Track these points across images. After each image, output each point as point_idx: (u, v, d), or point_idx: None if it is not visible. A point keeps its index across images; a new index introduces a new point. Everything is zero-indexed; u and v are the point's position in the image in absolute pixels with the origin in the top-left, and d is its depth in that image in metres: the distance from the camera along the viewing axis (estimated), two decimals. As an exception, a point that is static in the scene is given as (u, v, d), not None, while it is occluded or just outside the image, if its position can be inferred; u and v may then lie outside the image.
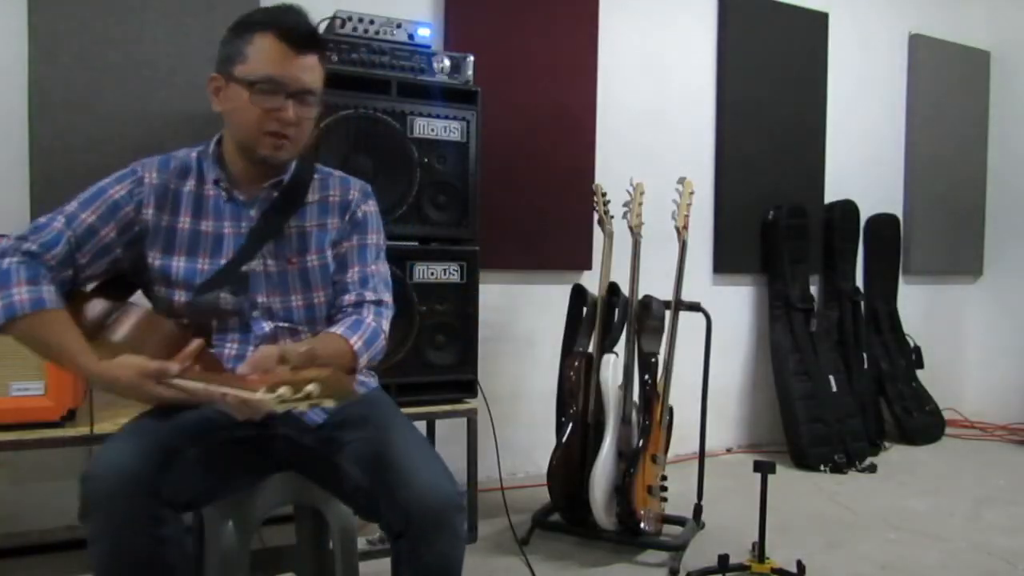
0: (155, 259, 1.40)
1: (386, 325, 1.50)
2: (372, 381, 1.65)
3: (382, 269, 1.56)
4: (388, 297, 1.54)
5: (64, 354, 1.27)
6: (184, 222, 1.42)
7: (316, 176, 1.54)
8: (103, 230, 1.36)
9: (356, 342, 1.39)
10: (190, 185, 1.44)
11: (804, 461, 3.55)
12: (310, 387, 1.05)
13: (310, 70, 1.37)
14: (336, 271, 1.51)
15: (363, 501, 1.37)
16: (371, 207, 1.58)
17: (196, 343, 1.28)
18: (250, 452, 1.41)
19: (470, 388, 2.49)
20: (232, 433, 1.36)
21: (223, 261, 1.42)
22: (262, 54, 1.34)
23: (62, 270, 1.32)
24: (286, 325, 1.46)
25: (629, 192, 2.64)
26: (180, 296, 1.41)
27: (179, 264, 1.41)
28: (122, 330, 1.36)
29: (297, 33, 1.35)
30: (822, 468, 3.51)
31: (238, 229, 1.44)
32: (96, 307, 1.39)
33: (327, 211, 1.52)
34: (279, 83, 1.34)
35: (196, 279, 1.41)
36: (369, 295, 1.50)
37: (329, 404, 1.10)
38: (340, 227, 1.52)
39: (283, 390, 1.04)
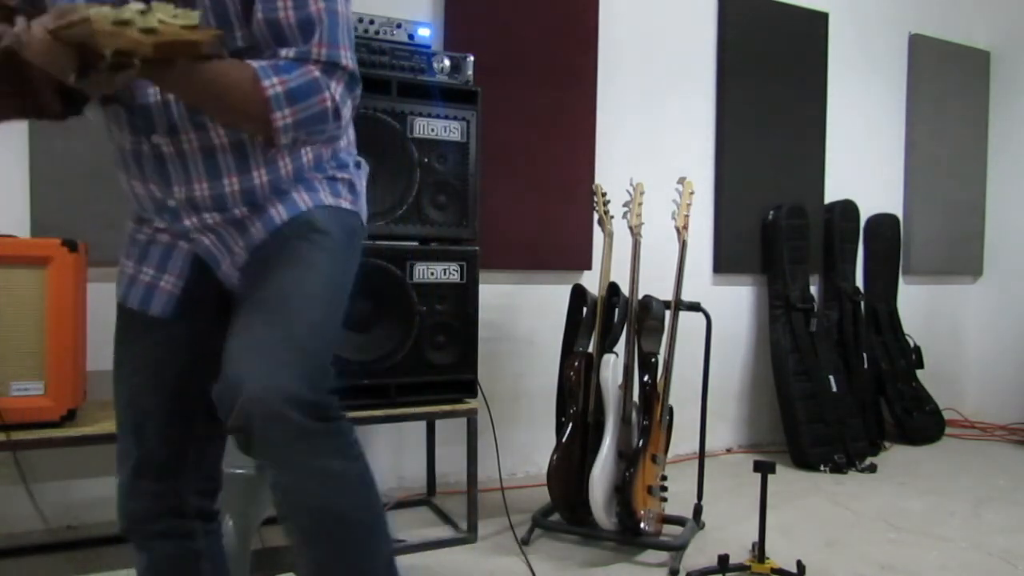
0: None
1: (339, 91, 1.10)
2: (321, 194, 1.24)
3: (333, 7, 1.11)
4: (349, 61, 1.12)
5: None
6: None
7: None
8: None
9: (272, 85, 1.03)
10: None
11: (804, 461, 3.55)
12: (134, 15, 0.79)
13: None
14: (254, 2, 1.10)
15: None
16: None
17: None
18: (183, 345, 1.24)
19: (470, 388, 2.49)
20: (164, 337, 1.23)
21: None
22: None
23: None
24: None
25: (629, 192, 2.64)
26: None
27: None
28: None
29: None
30: (822, 468, 3.51)
31: None
32: None
33: None
34: None
35: None
36: (316, 51, 1.09)
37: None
38: None
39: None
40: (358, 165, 1.36)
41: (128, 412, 1.25)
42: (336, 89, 1.10)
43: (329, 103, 1.08)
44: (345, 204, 1.28)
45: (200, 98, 1.03)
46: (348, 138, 1.31)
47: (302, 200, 1.22)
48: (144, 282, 1.26)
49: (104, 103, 1.16)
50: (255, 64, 1.03)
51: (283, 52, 1.08)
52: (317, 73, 1.07)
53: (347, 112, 1.13)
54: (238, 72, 1.02)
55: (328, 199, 1.25)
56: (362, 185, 1.35)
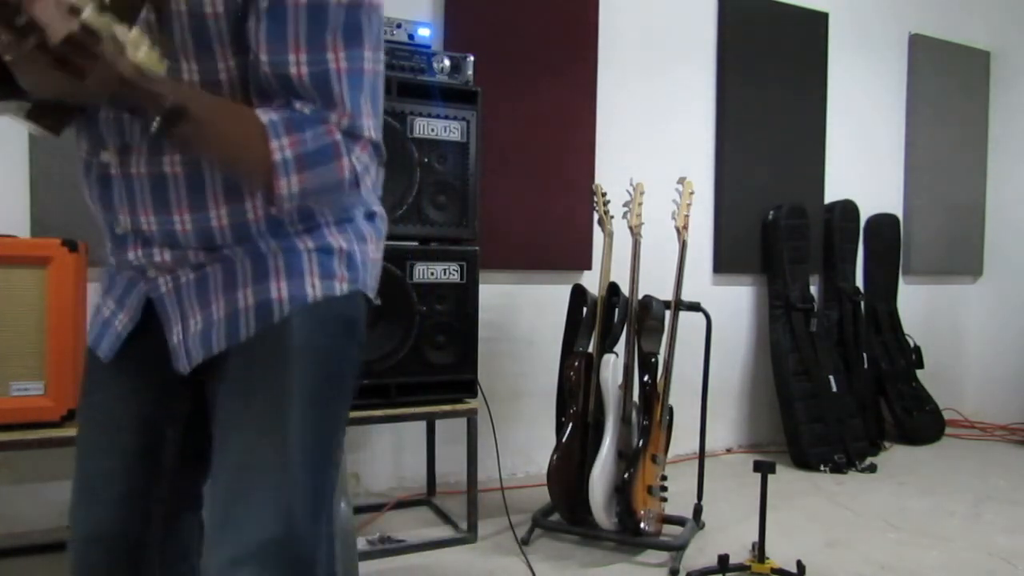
0: None
1: (362, 158, 0.94)
2: (306, 280, 1.00)
3: (357, 65, 0.93)
4: (373, 132, 0.95)
5: None
6: None
7: None
8: None
9: (281, 148, 0.87)
10: None
11: (804, 461, 3.55)
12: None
13: None
14: (255, 42, 0.90)
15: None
16: None
17: None
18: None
19: (470, 388, 2.49)
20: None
21: None
22: None
23: None
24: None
25: (629, 192, 2.64)
26: None
27: None
28: None
29: None
30: (822, 468, 3.51)
31: None
32: None
33: None
34: None
35: None
36: (335, 118, 0.91)
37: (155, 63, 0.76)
38: None
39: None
40: (370, 217, 1.12)
41: (77, 470, 1.08)
42: (359, 156, 0.93)
43: (347, 172, 0.91)
44: (340, 288, 1.01)
45: (197, 149, 0.91)
46: (366, 183, 0.99)
47: (278, 296, 0.97)
48: (103, 316, 1.08)
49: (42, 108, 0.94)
50: (264, 118, 0.87)
51: (298, 105, 0.90)
52: (338, 136, 0.90)
53: (370, 180, 0.97)
54: (244, 126, 0.86)
55: (315, 289, 0.99)
56: (370, 248, 1.10)
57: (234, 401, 0.97)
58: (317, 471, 0.97)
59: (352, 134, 0.92)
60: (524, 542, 2.49)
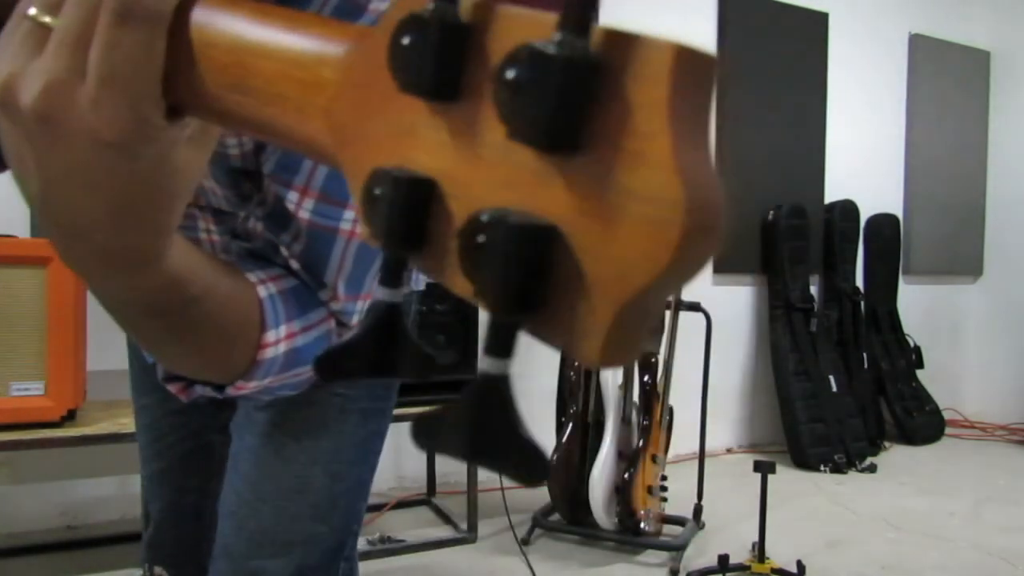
0: None
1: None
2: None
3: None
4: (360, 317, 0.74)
5: None
6: None
7: None
8: None
9: (276, 341, 0.60)
10: None
11: (804, 461, 3.55)
12: None
13: None
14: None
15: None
16: None
17: None
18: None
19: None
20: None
21: None
22: None
23: None
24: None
25: (629, 192, 2.64)
26: None
27: None
28: None
29: None
30: (822, 468, 3.51)
31: None
32: None
33: None
34: None
35: None
36: (328, 297, 0.68)
37: None
38: None
39: None
40: None
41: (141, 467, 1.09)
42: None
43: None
44: None
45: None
46: None
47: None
48: None
49: None
50: (263, 292, 0.60)
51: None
52: (333, 324, 0.68)
53: None
54: (235, 300, 0.58)
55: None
56: None
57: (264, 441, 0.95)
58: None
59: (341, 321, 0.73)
60: (524, 542, 2.49)
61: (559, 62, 0.21)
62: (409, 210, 0.25)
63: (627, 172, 0.21)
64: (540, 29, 0.23)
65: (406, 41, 0.25)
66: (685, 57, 0.21)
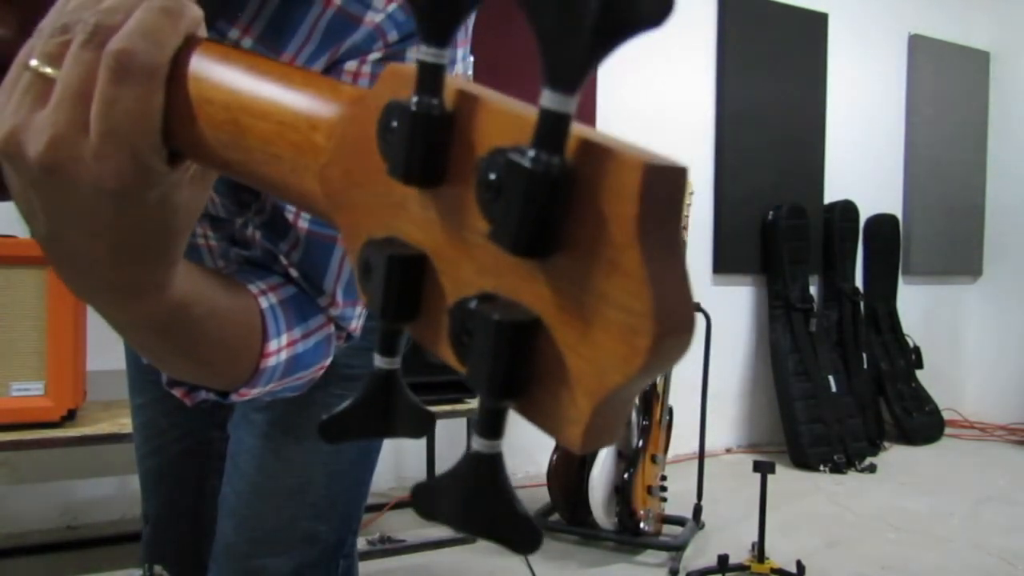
0: None
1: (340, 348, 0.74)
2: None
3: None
4: (357, 324, 0.73)
5: None
6: None
7: None
8: None
9: (279, 350, 0.61)
10: None
11: (804, 461, 3.55)
12: None
13: None
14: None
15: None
16: None
17: None
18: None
19: (470, 388, 2.49)
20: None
21: None
22: None
23: None
24: None
25: (629, 192, 2.64)
26: None
27: None
28: None
29: None
30: (822, 468, 3.51)
31: None
32: None
33: None
34: None
35: None
36: (327, 303, 0.68)
37: None
38: None
39: None
40: None
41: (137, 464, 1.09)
42: (337, 347, 0.73)
43: (320, 372, 0.71)
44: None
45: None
46: None
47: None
48: None
49: None
50: (264, 303, 0.61)
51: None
52: (332, 328, 0.70)
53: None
54: (237, 314, 0.58)
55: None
56: None
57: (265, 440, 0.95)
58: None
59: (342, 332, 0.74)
60: (524, 542, 2.49)
61: (534, 176, 0.22)
62: (403, 287, 0.27)
63: (603, 278, 0.22)
64: (518, 132, 0.23)
65: (392, 129, 0.26)
66: (654, 174, 0.21)
